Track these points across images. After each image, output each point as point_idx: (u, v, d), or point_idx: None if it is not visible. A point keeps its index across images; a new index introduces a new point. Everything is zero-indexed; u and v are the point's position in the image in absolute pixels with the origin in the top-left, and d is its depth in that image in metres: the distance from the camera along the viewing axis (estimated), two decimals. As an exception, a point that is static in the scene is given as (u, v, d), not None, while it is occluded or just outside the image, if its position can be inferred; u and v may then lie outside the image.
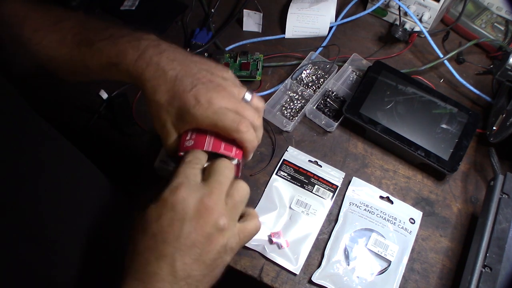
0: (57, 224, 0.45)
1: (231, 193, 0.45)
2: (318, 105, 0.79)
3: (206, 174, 0.46)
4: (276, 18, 0.91)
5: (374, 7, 0.88)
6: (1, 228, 0.39)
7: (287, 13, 0.87)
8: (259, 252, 0.66)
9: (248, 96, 0.51)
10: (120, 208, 0.57)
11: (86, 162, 0.54)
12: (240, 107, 0.48)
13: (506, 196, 0.65)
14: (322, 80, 0.81)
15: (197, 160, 0.47)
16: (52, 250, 0.44)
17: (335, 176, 0.72)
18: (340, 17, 0.89)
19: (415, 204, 0.71)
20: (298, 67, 0.81)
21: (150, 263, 0.42)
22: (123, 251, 0.46)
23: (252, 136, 0.48)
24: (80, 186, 0.51)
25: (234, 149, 0.49)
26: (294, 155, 0.74)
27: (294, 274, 0.65)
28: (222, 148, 0.49)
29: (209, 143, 0.49)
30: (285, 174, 0.72)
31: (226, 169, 0.46)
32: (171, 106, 0.48)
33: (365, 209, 0.69)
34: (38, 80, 0.62)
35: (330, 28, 0.88)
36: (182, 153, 0.49)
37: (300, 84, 0.80)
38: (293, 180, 0.72)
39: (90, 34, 0.51)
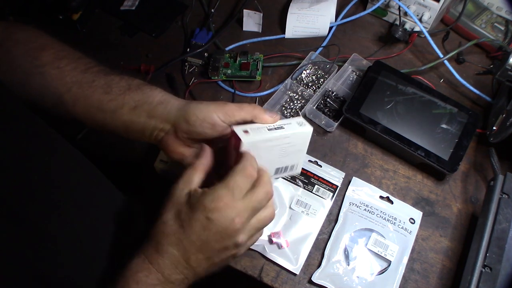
0: (61, 225, 0.46)
1: (258, 217, 0.48)
2: (318, 105, 0.79)
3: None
4: (276, 18, 0.91)
5: (374, 7, 0.88)
6: (9, 231, 0.39)
7: (287, 13, 0.87)
8: (259, 252, 0.66)
9: None
10: (123, 208, 0.57)
11: (92, 168, 0.54)
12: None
13: (506, 196, 0.65)
14: (322, 80, 0.81)
15: (252, 169, 0.47)
16: (57, 251, 0.44)
17: (335, 176, 0.72)
18: (340, 17, 0.89)
19: (415, 204, 0.71)
20: (298, 67, 0.81)
21: (163, 246, 0.46)
22: (126, 252, 0.46)
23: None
24: (87, 191, 0.52)
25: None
26: (294, 155, 0.74)
27: (294, 274, 0.65)
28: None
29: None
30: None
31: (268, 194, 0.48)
32: None
33: (365, 209, 0.69)
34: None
35: (330, 28, 0.88)
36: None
37: (300, 84, 0.80)
38: (293, 180, 0.72)
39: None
